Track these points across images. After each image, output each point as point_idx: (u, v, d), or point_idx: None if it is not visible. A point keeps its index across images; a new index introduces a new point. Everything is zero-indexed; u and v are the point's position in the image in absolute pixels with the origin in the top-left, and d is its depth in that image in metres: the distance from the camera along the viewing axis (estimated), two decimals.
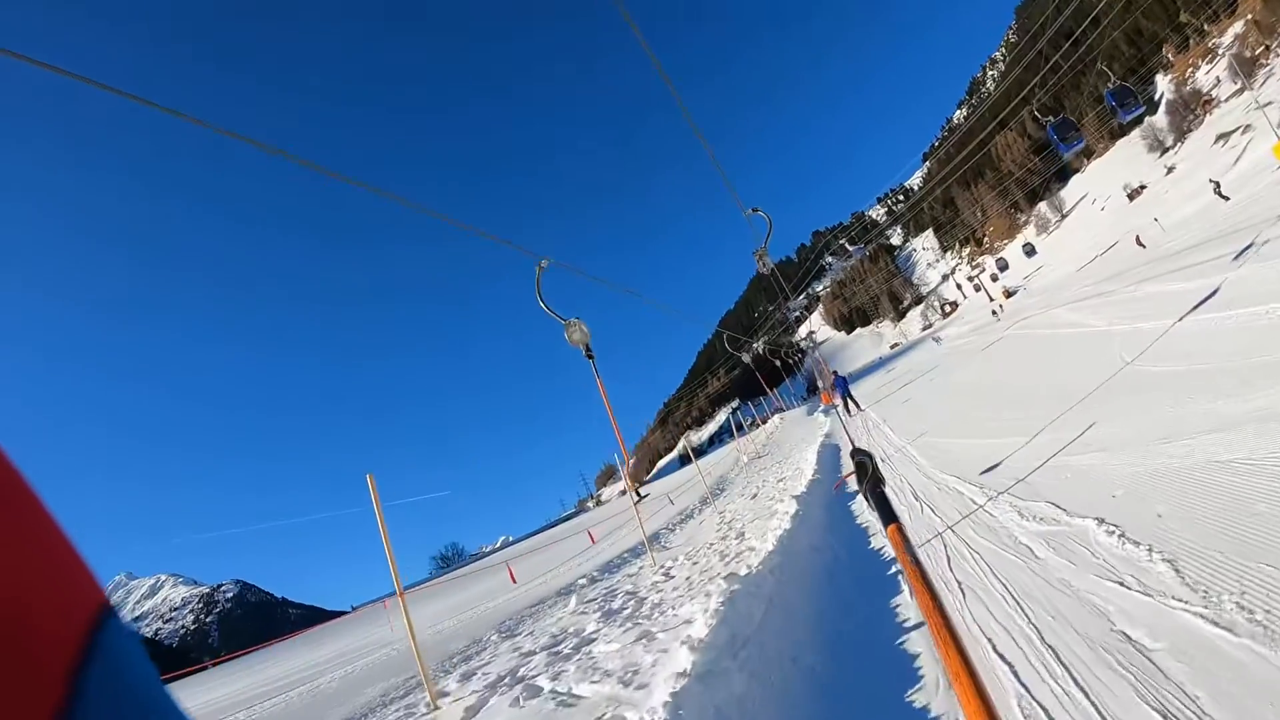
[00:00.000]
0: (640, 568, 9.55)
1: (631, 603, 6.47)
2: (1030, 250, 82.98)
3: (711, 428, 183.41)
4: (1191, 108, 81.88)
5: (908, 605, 4.68)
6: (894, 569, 5.53)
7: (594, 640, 5.29)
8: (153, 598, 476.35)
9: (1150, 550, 3.64)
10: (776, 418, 42.24)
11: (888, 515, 1.56)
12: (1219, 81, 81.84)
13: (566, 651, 5.27)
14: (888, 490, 1.83)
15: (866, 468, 1.86)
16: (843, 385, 28.24)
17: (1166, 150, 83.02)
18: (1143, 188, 74.30)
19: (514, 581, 17.36)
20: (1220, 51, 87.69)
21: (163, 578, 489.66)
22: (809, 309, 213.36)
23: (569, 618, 7.18)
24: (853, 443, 2.65)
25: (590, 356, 6.31)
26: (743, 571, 5.51)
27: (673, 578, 7.16)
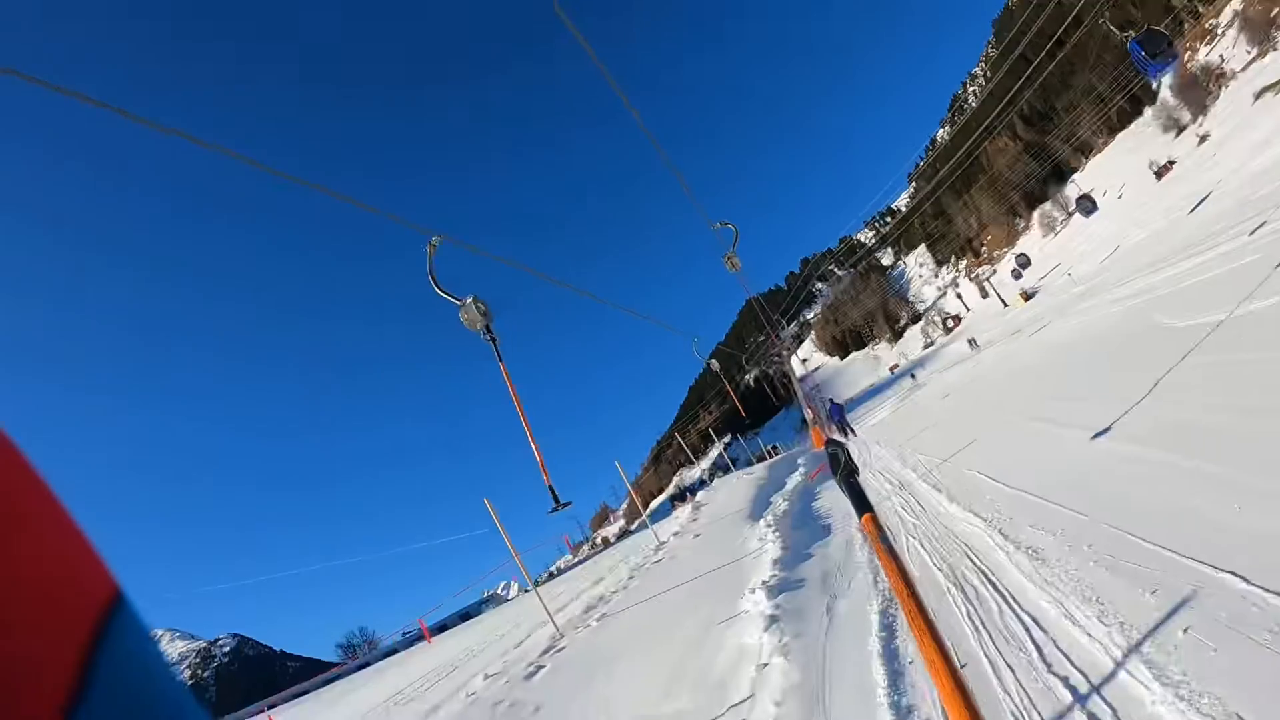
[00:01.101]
0: None
1: None
2: (1025, 261, 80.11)
3: (705, 464, 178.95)
4: (1203, 84, 79.78)
5: None
6: None
7: None
8: None
9: None
10: (691, 505, 20.44)
11: (862, 505, 1.57)
12: (1223, 60, 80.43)
13: None
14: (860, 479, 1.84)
15: (839, 459, 1.86)
16: (838, 413, 24.19)
17: (1184, 128, 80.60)
18: (1171, 163, 71.05)
19: None
20: (1219, 31, 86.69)
21: (159, 632, 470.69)
22: (800, 337, 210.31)
23: None
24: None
25: (491, 338, 4.93)
26: None
27: None
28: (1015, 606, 4.24)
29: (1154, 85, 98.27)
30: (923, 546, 6.50)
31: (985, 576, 4.99)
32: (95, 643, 0.30)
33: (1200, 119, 77.61)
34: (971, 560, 5.46)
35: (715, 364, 15.41)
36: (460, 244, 5.01)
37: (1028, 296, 68.61)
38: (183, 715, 0.35)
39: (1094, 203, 66.19)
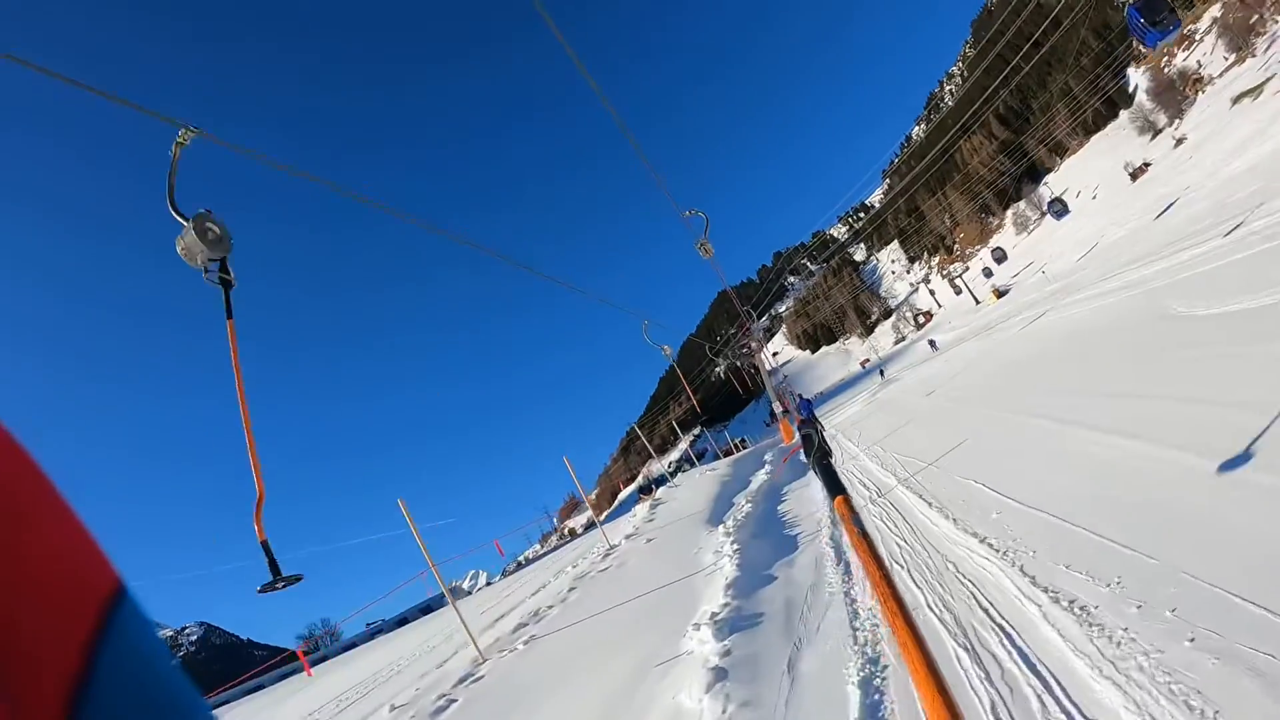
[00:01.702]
0: None
1: None
2: (1001, 256, 79.45)
3: (674, 455, 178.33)
4: (1180, 88, 79.61)
5: None
6: None
7: None
8: None
9: None
10: (649, 503, 18.71)
11: (835, 487, 1.56)
12: (1200, 65, 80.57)
13: None
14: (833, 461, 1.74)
15: (813, 440, 1.83)
16: (807, 408, 23.12)
17: (1159, 131, 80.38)
18: (1146, 165, 70.66)
19: None
20: (1198, 37, 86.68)
21: None
22: (771, 330, 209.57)
23: None
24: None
25: (222, 280, 2.79)
26: None
27: None
28: (1070, 706, 2.81)
29: (1136, 76, 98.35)
30: (913, 580, 5.08)
31: (1009, 639, 3.57)
32: (98, 636, 0.30)
33: (1176, 122, 77.34)
34: (984, 610, 4.03)
35: (668, 349, 13.91)
36: (235, 148, 3.31)
37: (1000, 294, 67.81)
38: (186, 707, 0.35)
39: (1065, 205, 65.66)
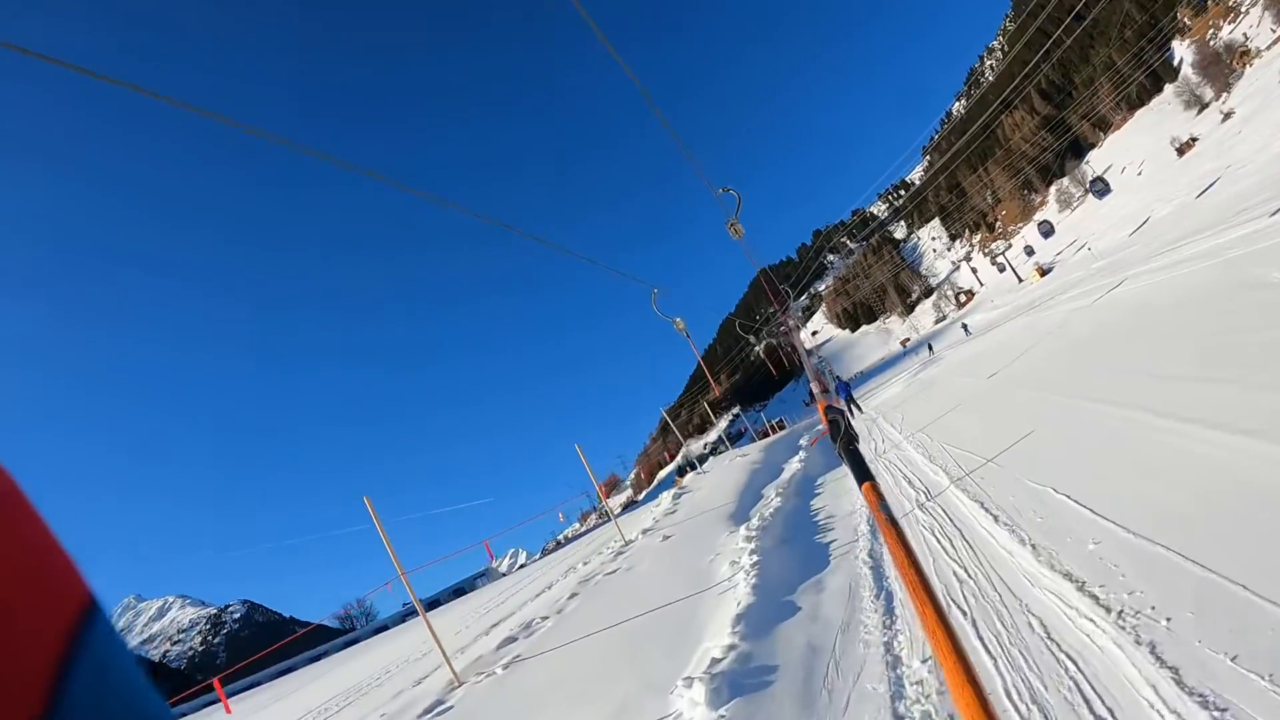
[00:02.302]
0: None
1: None
2: (1048, 230, 76.33)
3: (712, 435, 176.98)
4: (1226, 61, 75.44)
5: None
6: None
7: None
8: (161, 619, 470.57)
9: None
10: (673, 492, 17.76)
11: (862, 473, 1.49)
12: (1247, 37, 76.78)
13: None
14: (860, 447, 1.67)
15: (840, 425, 1.74)
16: (845, 391, 21.88)
17: (1206, 106, 76.36)
18: (1193, 140, 67.02)
19: None
20: (1243, 9, 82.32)
21: (171, 599, 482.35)
22: (810, 309, 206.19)
23: None
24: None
25: None
26: None
27: None
28: None
29: (1181, 49, 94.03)
30: (980, 639, 3.56)
31: None
32: (69, 653, 0.29)
33: (1224, 96, 73.29)
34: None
35: (680, 322, 12.49)
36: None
37: (1043, 272, 65.13)
38: None
39: (1106, 184, 62.95)
